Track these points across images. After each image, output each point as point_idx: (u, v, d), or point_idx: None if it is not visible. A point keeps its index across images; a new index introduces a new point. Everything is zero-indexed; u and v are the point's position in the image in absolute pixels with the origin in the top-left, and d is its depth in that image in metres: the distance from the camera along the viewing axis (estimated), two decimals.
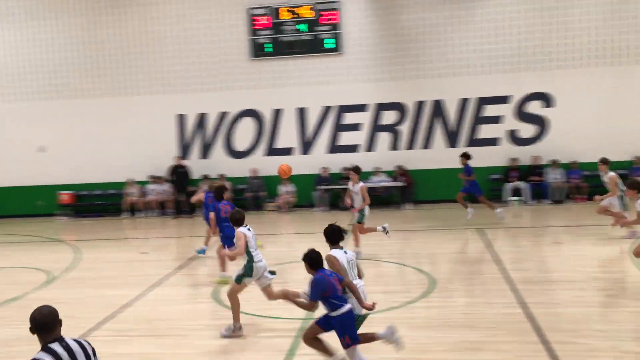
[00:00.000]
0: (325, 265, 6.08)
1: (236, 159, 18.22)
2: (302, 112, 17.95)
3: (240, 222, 7.46)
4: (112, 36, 18.19)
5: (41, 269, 11.63)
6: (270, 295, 7.56)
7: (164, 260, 12.20)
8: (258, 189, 17.75)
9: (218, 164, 18.11)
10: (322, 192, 17.49)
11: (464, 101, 17.39)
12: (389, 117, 17.69)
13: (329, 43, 17.51)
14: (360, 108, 17.72)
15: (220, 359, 6.84)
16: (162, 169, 17.90)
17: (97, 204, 18.53)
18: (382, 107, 17.68)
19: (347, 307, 5.79)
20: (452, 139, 17.52)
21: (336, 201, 17.53)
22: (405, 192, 17.36)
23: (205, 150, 18.31)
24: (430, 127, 17.58)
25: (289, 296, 6.82)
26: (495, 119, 17.31)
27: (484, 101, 17.31)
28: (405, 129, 17.68)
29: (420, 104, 17.56)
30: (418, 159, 17.50)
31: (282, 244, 13.45)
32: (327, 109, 17.85)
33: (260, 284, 7.53)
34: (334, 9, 17.36)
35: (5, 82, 18.60)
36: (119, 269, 11.48)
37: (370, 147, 17.81)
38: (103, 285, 10.28)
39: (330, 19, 17.43)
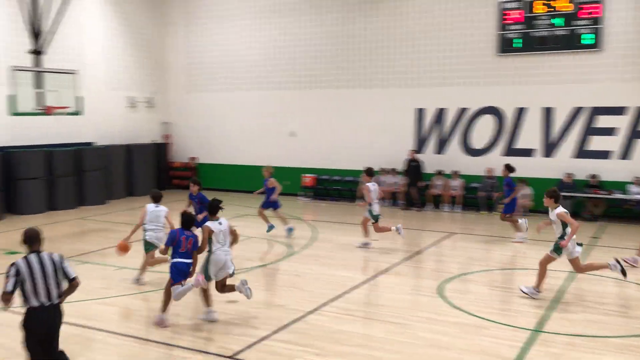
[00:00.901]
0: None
1: (472, 156, 17.83)
2: (548, 112, 16.81)
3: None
4: (361, 30, 19.10)
5: (284, 243, 12.83)
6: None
7: (392, 249, 12.52)
8: (492, 189, 17.15)
9: (452, 160, 17.94)
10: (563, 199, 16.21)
11: None
12: None
13: (587, 39, 16.06)
14: (617, 111, 15.97)
15: (442, 354, 6.82)
16: (398, 161, 18.31)
17: (335, 188, 19.72)
18: None
19: (174, 260, 7.55)
20: None
21: (578, 210, 16.04)
22: None
23: (441, 146, 18.26)
24: None
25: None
26: None
27: None
28: None
29: None
30: None
31: (511, 249, 12.82)
32: (578, 110, 16.44)
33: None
34: (596, 2, 15.86)
35: (265, 72, 20.77)
36: (349, 252, 12.09)
37: (626, 154, 15.98)
38: (334, 265, 10.94)
39: (590, 13, 15.97)
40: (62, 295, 5.54)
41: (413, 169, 17.73)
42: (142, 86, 21.64)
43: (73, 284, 5.58)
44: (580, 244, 8.82)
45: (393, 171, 18.40)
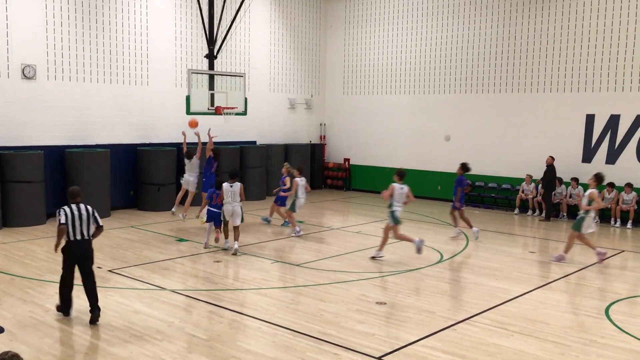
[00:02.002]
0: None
1: None
2: None
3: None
4: (525, 32, 18.14)
5: (435, 248, 12.59)
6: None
7: (550, 263, 11.74)
8: None
9: (625, 171, 16.39)
10: None
11: None
12: None
13: None
14: None
15: None
16: (560, 170, 17.11)
17: (490, 196, 18.95)
18: None
19: (209, 209, 11.83)
20: None
21: None
22: None
23: (613, 155, 16.76)
24: None
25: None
26: None
27: None
28: None
29: None
30: None
31: None
32: None
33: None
34: None
35: (421, 76, 20.52)
36: (503, 262, 11.54)
37: None
38: (487, 275, 10.51)
39: None
40: (93, 236, 7.68)
41: (545, 175, 16.64)
42: (302, 88, 22.50)
43: (100, 228, 7.73)
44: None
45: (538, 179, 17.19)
